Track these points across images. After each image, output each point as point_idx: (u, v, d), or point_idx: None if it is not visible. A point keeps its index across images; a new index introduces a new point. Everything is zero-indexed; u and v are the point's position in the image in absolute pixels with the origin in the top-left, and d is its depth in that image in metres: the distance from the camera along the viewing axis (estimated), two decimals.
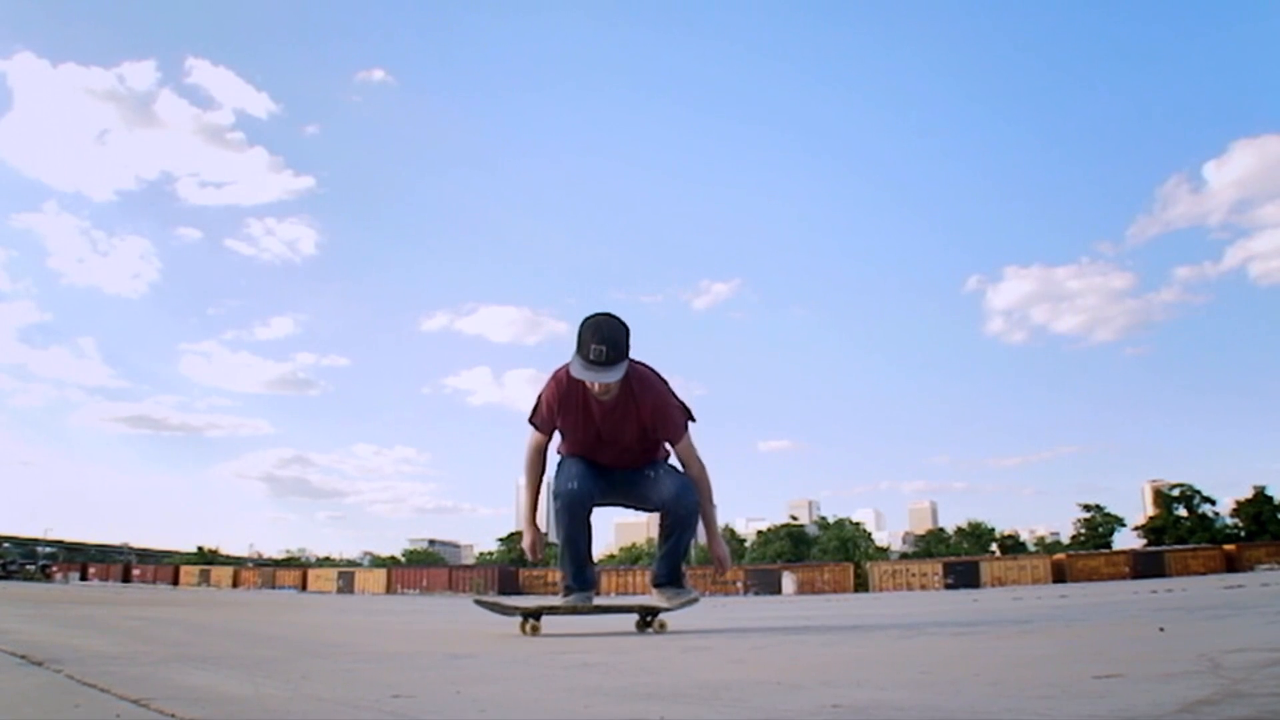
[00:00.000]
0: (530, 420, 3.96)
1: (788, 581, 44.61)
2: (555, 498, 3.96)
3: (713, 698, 1.68)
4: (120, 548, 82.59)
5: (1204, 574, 36.10)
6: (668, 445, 4.02)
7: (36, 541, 78.30)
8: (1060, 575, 40.57)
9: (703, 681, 1.99)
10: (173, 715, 1.49)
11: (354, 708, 1.61)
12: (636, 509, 4.18)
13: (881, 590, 42.02)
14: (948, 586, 40.84)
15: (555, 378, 3.82)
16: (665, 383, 3.85)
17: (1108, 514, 58.95)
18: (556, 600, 4.10)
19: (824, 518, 66.65)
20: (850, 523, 63.78)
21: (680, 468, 4.04)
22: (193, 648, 3.33)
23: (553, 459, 4.14)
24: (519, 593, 46.05)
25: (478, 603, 4.52)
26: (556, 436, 4.07)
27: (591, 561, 4.07)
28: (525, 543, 4.08)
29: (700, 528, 4.18)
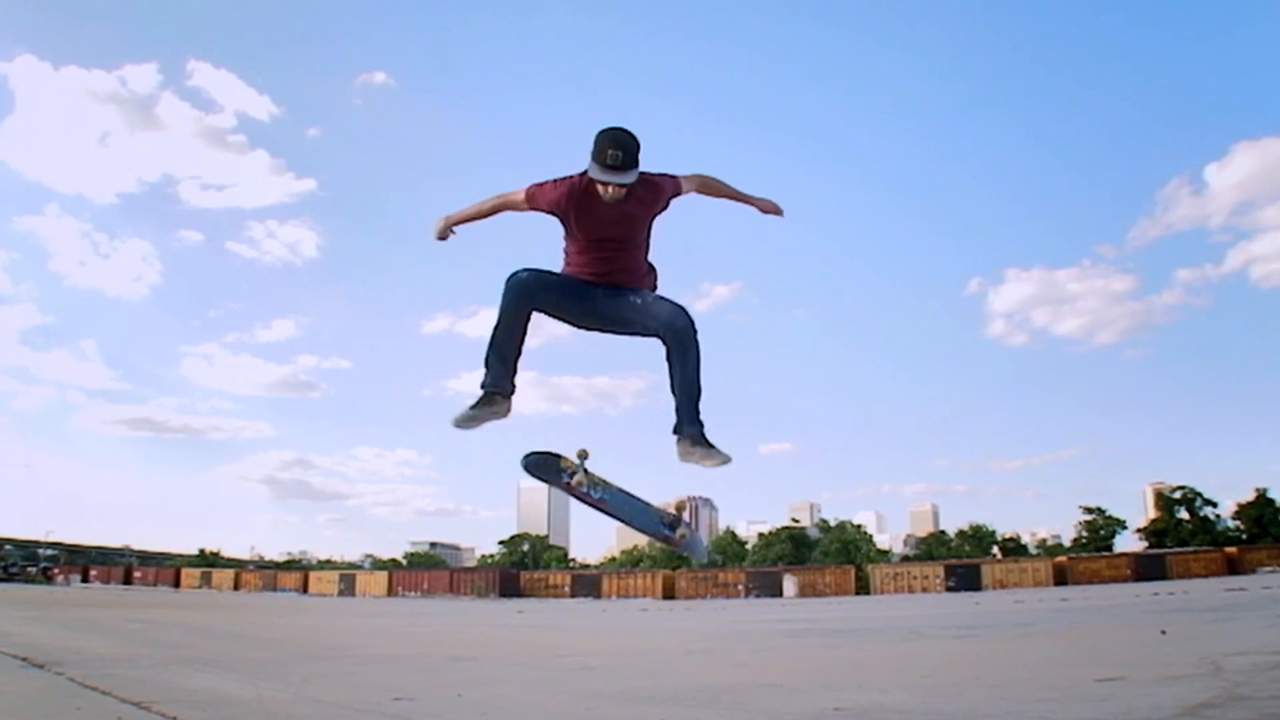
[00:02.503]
0: (527, 189, 3.97)
1: (789, 584, 44.53)
2: (505, 289, 3.89)
3: (714, 701, 1.68)
4: (122, 550, 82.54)
5: (1205, 577, 36.01)
6: (682, 189, 4.01)
7: (38, 544, 78.28)
8: (1062, 578, 40.47)
9: (704, 684, 1.99)
10: (174, 718, 1.49)
11: (355, 710, 1.61)
12: (627, 334, 4.10)
13: (883, 593, 41.93)
14: (949, 589, 40.73)
15: (570, 177, 3.88)
16: (650, 173, 3.95)
17: (1109, 517, 58.79)
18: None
19: (825, 520, 66.50)
20: (851, 525, 63.58)
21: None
22: (194, 650, 3.34)
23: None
24: (520, 595, 45.98)
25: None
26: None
27: (516, 366, 4.03)
28: (438, 225, 4.13)
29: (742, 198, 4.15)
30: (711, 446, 4.06)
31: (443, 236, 4.23)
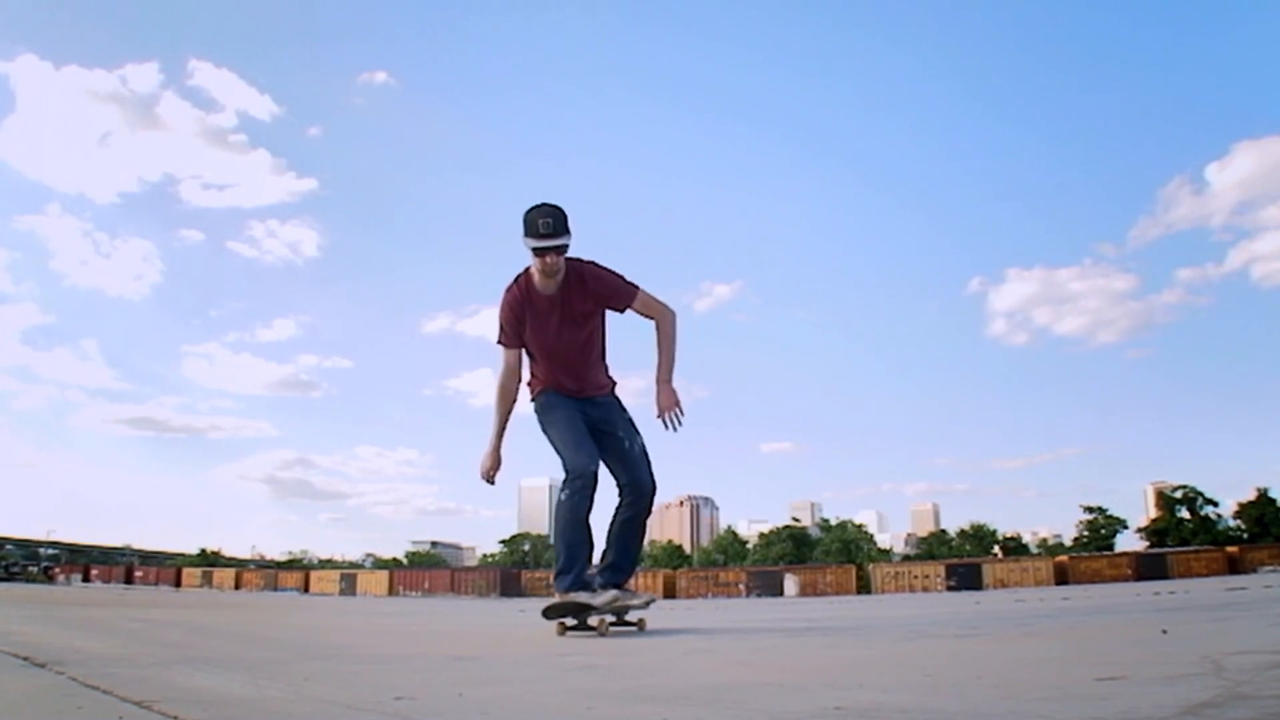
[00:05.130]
0: (499, 343, 4.09)
1: (790, 583, 44.54)
2: (574, 477, 3.91)
3: (715, 700, 1.68)
4: (123, 549, 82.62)
5: (1206, 576, 36.00)
6: (636, 310, 4.07)
7: (39, 543, 78.38)
8: (1063, 577, 40.47)
9: (705, 683, 1.99)
10: (175, 717, 1.49)
11: (356, 710, 1.62)
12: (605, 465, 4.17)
13: (884, 592, 41.95)
14: (950, 588, 40.75)
15: (505, 290, 4.04)
16: (598, 264, 4.05)
17: (1110, 516, 58.83)
18: (593, 598, 3.99)
19: (826, 520, 66.56)
20: (852, 524, 63.65)
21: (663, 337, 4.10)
22: (195, 650, 3.33)
23: (525, 394, 4.21)
24: (521, 594, 46.02)
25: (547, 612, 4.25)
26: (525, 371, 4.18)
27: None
28: (485, 467, 4.15)
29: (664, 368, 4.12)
30: (633, 592, 4.20)
31: (492, 475, 4.17)
